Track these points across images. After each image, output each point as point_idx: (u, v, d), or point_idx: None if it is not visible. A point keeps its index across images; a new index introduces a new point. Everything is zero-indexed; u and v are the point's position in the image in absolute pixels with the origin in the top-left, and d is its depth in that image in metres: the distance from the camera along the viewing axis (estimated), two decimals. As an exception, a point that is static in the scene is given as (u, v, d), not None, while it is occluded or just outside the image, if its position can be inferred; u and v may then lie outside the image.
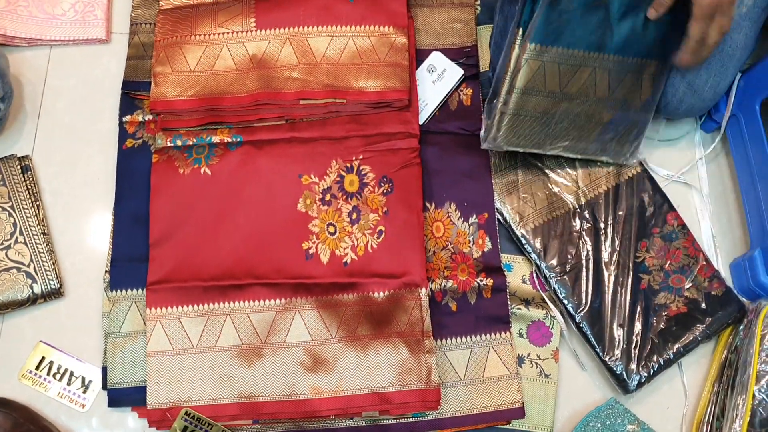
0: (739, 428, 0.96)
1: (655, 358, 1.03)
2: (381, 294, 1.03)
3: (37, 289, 1.03)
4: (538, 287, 1.09)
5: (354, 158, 1.08)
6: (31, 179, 1.08)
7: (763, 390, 0.96)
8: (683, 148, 1.20)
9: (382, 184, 1.08)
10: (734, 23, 1.00)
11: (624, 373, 1.02)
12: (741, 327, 1.05)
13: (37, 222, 1.06)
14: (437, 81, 1.15)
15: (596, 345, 1.04)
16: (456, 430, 1.02)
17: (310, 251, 1.04)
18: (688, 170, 1.17)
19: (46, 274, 1.04)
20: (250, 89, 1.09)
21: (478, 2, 1.21)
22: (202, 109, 1.08)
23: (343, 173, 1.08)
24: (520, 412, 1.02)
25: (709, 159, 1.19)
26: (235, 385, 0.99)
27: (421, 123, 1.12)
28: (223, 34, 1.12)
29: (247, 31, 1.12)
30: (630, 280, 1.07)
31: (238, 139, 1.08)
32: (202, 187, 1.05)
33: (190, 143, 1.08)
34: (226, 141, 1.08)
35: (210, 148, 1.07)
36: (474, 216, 1.10)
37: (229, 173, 1.06)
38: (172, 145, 1.08)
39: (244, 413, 0.99)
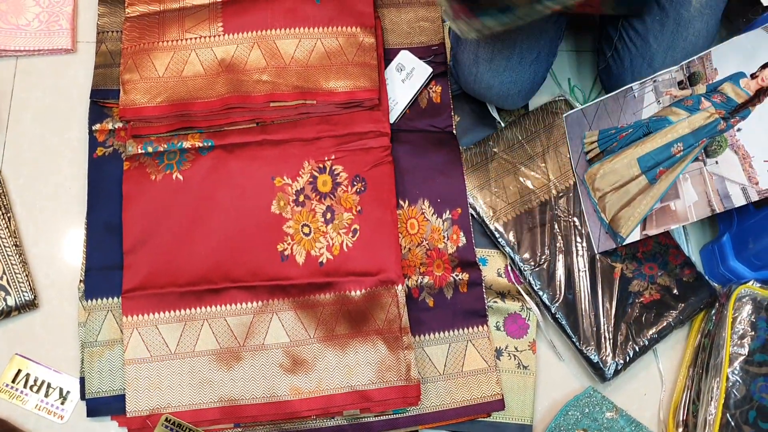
0: (714, 410, 0.97)
1: (630, 345, 1.04)
2: (358, 292, 1.03)
3: (11, 302, 1.02)
4: (513, 280, 1.10)
5: (326, 158, 1.09)
6: (1, 191, 1.07)
7: (736, 372, 0.98)
8: (651, 139, 1.22)
9: (355, 183, 1.08)
10: (696, 12, 1.02)
11: (600, 361, 1.03)
12: (713, 311, 1.07)
13: (8, 234, 1.05)
14: (406, 80, 1.16)
15: (572, 335, 1.05)
16: (437, 424, 1.03)
17: (286, 252, 1.05)
18: (656, 160, 1.19)
19: (20, 286, 1.03)
20: (220, 93, 1.09)
21: None
22: (172, 115, 1.08)
23: (316, 174, 1.08)
24: (500, 404, 1.03)
25: (676, 148, 1.21)
26: (215, 390, 0.99)
27: (391, 122, 1.13)
28: (190, 39, 1.12)
29: (214, 36, 1.12)
30: (603, 270, 1.08)
31: (210, 144, 1.08)
32: (175, 192, 1.05)
33: (161, 149, 1.07)
34: (197, 146, 1.08)
35: (181, 154, 1.07)
36: (447, 212, 1.11)
37: (201, 178, 1.06)
38: (143, 152, 1.07)
39: (225, 417, 0.99)
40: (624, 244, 1.04)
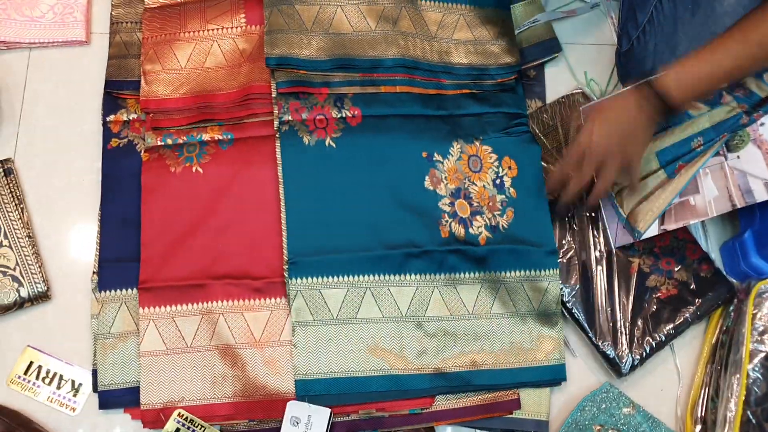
0: (734, 407, 0.96)
1: (647, 341, 1.03)
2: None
3: (24, 293, 1.01)
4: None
5: None
6: (14, 182, 1.06)
7: (756, 369, 0.97)
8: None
9: None
10: (729, 7, 0.99)
11: (617, 357, 1.02)
12: (731, 308, 1.06)
13: (21, 225, 1.04)
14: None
15: (588, 330, 1.04)
16: (454, 421, 1.02)
17: None
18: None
19: (33, 278, 1.02)
20: (241, 84, 1.08)
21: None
22: (194, 106, 1.07)
23: None
24: (516, 403, 1.02)
25: (693, 143, 1.20)
26: (229, 385, 0.98)
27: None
28: (212, 30, 1.12)
29: (237, 27, 1.12)
30: (620, 265, 1.07)
31: (229, 137, 1.07)
32: (195, 185, 1.04)
33: (181, 141, 1.07)
34: (217, 138, 1.07)
35: (201, 146, 1.06)
36: None
37: (221, 171, 1.05)
38: (162, 143, 1.06)
39: (239, 413, 0.98)
40: (641, 239, 1.03)
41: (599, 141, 0.96)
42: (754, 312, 1.00)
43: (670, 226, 1.01)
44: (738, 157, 0.95)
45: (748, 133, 0.95)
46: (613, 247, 1.08)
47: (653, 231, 1.03)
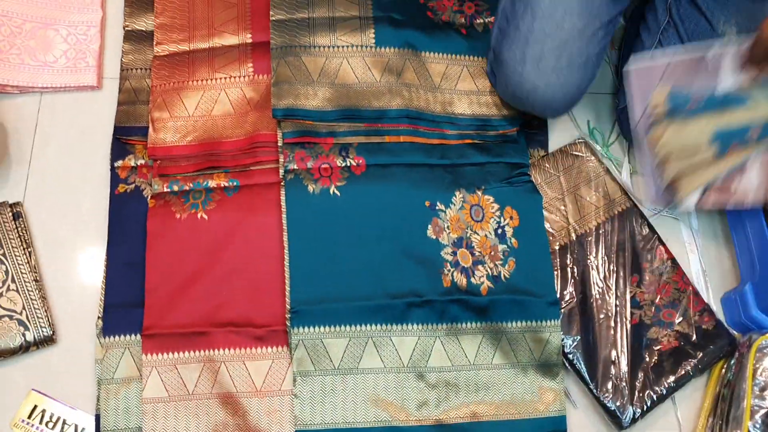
0: (735, 463, 0.96)
1: (647, 393, 1.03)
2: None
3: (29, 337, 1.02)
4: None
5: None
6: (22, 226, 1.08)
7: (757, 426, 0.97)
8: (671, 183, 1.22)
9: None
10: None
11: (617, 409, 1.02)
12: (732, 361, 1.05)
13: (29, 269, 1.05)
14: None
15: (589, 382, 1.04)
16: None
17: None
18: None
19: (39, 321, 1.03)
20: (248, 132, 1.10)
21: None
22: (201, 154, 1.09)
23: None
24: None
25: (696, 193, 1.21)
26: (230, 432, 0.99)
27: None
28: (220, 79, 1.14)
29: (244, 76, 1.14)
30: (621, 316, 1.07)
31: (235, 183, 1.08)
32: (200, 232, 1.05)
33: (187, 188, 1.08)
34: (223, 185, 1.08)
35: (207, 193, 1.08)
36: None
37: (226, 218, 1.06)
38: (168, 190, 1.08)
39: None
40: (678, 209, 1.01)
41: None
42: (755, 366, 1.00)
43: (707, 206, 1.02)
44: None
45: None
46: (646, 206, 1.12)
47: (692, 201, 1.02)
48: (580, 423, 1.07)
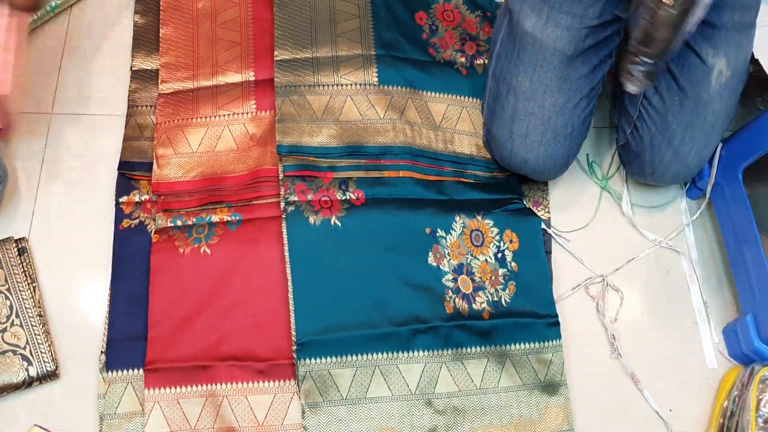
0: (740, 496, 0.95)
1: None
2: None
3: (32, 372, 1.02)
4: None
5: None
6: (27, 261, 1.09)
7: (762, 457, 0.96)
8: (670, 214, 1.23)
9: None
10: (715, 93, 1.03)
11: None
12: (735, 393, 1.05)
13: (33, 304, 1.06)
14: None
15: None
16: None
17: None
18: (675, 236, 1.20)
19: (42, 357, 1.03)
20: (250, 167, 1.12)
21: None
22: (204, 189, 1.11)
23: None
24: None
25: (696, 225, 1.22)
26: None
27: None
28: (224, 116, 1.16)
29: (247, 113, 1.16)
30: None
31: (238, 218, 1.10)
32: (203, 266, 1.06)
33: (190, 223, 1.09)
34: (225, 220, 1.09)
35: (210, 228, 1.09)
36: None
37: (229, 252, 1.07)
38: (172, 225, 1.09)
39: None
40: None
41: None
42: (759, 398, 1.00)
43: None
44: None
45: None
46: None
47: None
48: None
